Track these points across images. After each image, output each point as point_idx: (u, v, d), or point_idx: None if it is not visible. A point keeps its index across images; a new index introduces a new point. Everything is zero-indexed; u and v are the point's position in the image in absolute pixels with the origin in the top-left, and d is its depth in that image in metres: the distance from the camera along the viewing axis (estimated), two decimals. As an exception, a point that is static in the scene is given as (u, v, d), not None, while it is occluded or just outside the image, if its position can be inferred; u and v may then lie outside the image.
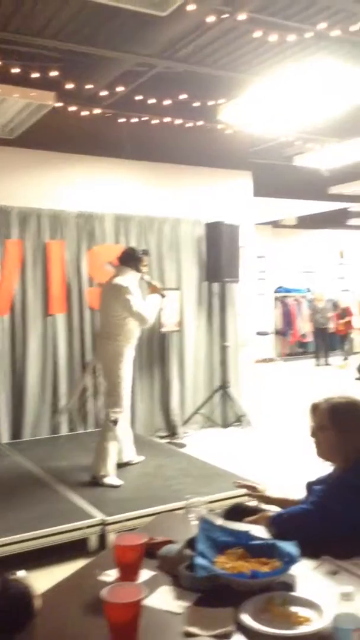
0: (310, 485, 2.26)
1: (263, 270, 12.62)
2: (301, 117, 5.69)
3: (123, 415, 4.63)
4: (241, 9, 4.18)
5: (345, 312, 12.55)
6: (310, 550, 1.85)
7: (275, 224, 12.92)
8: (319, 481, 2.25)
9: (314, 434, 2.21)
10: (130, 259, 4.68)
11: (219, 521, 2.08)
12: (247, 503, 2.50)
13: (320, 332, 12.33)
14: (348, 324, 12.46)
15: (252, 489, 2.43)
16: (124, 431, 4.74)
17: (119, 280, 4.56)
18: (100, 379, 5.12)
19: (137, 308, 4.47)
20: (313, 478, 2.27)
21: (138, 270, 4.67)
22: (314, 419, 2.21)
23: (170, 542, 1.98)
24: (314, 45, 4.98)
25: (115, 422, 4.52)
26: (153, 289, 4.79)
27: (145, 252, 4.85)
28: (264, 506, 2.37)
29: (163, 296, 4.84)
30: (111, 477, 4.46)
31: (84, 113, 5.85)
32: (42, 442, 5.77)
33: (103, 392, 4.90)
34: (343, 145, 7.16)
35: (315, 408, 2.21)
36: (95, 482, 4.43)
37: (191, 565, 1.75)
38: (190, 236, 6.78)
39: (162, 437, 6.32)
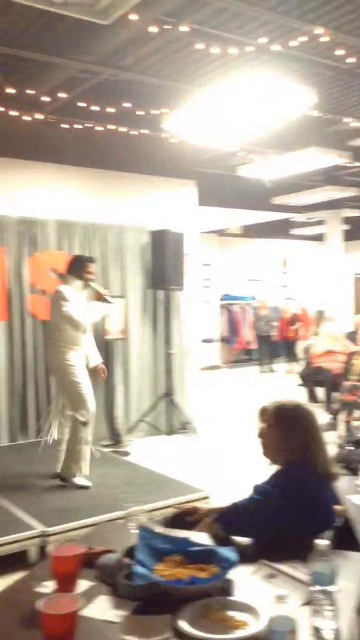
0: (257, 488, 2.32)
1: (209, 278, 12.76)
2: (243, 128, 5.80)
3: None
4: (183, 20, 4.23)
5: (295, 319, 12.78)
6: (249, 555, 1.88)
7: (221, 233, 13.10)
8: (265, 483, 2.31)
9: (261, 435, 2.32)
10: (74, 267, 4.71)
11: (159, 529, 2.09)
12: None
13: (263, 339, 12.52)
14: (298, 330, 12.70)
15: (192, 511, 2.41)
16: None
17: (59, 287, 4.63)
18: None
19: (66, 312, 4.48)
20: (254, 482, 2.32)
21: (81, 277, 4.66)
22: (262, 421, 2.32)
23: (109, 551, 1.97)
24: (255, 59, 5.09)
25: (85, 423, 4.53)
26: (97, 296, 4.77)
27: (90, 259, 4.86)
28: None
29: (108, 302, 4.82)
30: (81, 478, 4.52)
31: (26, 118, 5.77)
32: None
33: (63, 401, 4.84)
34: (285, 157, 7.33)
35: (263, 411, 2.33)
36: (36, 491, 4.36)
37: (130, 574, 1.74)
38: (135, 244, 6.79)
39: (106, 446, 6.26)
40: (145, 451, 6.15)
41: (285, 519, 2.05)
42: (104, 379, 5.25)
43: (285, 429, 2.24)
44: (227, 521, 2.12)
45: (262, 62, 5.17)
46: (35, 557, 3.59)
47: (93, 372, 4.90)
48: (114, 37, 4.43)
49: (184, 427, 6.84)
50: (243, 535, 2.06)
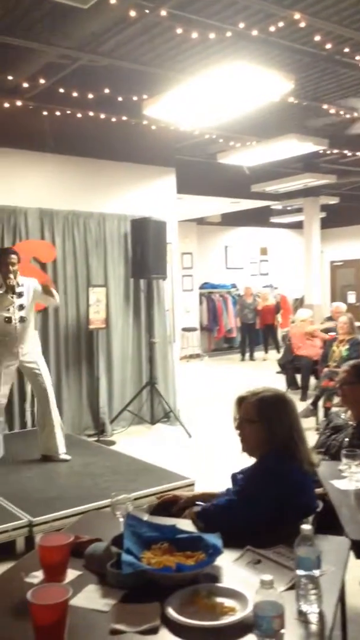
0: (234, 476, 2.32)
1: (189, 266, 12.75)
2: (223, 114, 5.78)
3: None
4: (162, 4, 4.19)
5: (278, 306, 12.85)
6: (237, 539, 1.90)
7: (200, 221, 13.08)
8: (242, 472, 2.31)
9: (239, 427, 2.25)
10: None
11: (145, 517, 2.10)
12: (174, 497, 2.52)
13: (246, 327, 12.57)
14: (285, 318, 12.78)
15: (174, 500, 2.41)
16: None
17: None
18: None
19: None
20: (237, 469, 2.33)
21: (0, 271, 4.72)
22: (240, 412, 2.25)
23: (97, 540, 1.98)
24: (234, 44, 5.07)
25: None
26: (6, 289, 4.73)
27: (5, 252, 4.85)
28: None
29: (8, 292, 4.73)
30: None
31: (5, 105, 5.69)
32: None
33: None
34: (264, 144, 7.33)
35: (240, 401, 2.25)
36: (21, 482, 4.39)
37: (117, 563, 1.76)
38: (116, 232, 6.75)
39: (90, 436, 6.27)
40: (129, 440, 6.17)
41: (266, 514, 2.02)
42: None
43: (268, 424, 2.17)
44: (207, 521, 2.06)
45: (241, 48, 5.15)
46: (23, 548, 3.59)
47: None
48: (93, 21, 4.37)
49: (167, 415, 6.87)
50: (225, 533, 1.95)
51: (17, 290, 4.74)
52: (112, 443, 6.03)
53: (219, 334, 13.42)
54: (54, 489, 4.27)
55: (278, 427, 2.17)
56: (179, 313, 7.66)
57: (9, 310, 4.71)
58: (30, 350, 4.89)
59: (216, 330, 13.35)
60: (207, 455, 5.60)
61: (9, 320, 4.70)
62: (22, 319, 4.78)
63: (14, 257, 4.76)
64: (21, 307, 4.77)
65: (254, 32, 4.69)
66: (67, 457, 4.93)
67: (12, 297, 4.71)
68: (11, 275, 4.69)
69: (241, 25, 4.59)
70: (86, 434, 6.33)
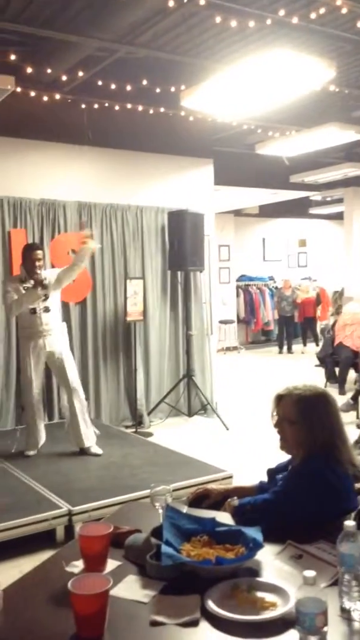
0: (271, 472, 2.28)
1: (226, 258, 12.68)
2: (262, 105, 5.70)
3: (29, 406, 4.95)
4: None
5: (319, 299, 12.70)
6: (275, 537, 1.87)
7: (238, 213, 12.98)
8: (279, 468, 2.27)
9: (278, 425, 2.18)
10: (21, 257, 4.91)
11: (184, 509, 2.09)
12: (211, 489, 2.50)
13: (284, 320, 12.43)
14: (324, 310, 12.63)
15: (205, 494, 2.35)
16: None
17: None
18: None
19: (4, 302, 4.80)
20: (273, 465, 2.29)
21: (25, 266, 4.83)
22: (279, 410, 2.18)
23: (136, 531, 1.98)
24: (273, 33, 4.99)
25: (22, 407, 5.08)
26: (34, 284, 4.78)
27: (30, 247, 4.92)
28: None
29: (36, 287, 4.76)
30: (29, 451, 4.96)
31: (45, 98, 5.74)
32: (7, 434, 5.69)
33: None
34: (303, 134, 7.21)
35: (279, 399, 2.17)
36: (61, 471, 4.47)
37: (157, 554, 1.75)
38: (153, 224, 6.75)
39: (128, 427, 6.31)
40: (166, 432, 6.18)
41: (306, 515, 1.97)
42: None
43: (309, 426, 2.08)
44: (244, 518, 2.02)
45: (281, 36, 5.06)
46: (62, 536, 3.65)
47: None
48: (132, 12, 4.36)
49: (204, 408, 6.86)
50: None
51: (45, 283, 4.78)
52: (150, 435, 6.06)
53: (256, 326, 13.33)
54: (92, 479, 4.32)
55: (319, 429, 2.08)
56: (216, 305, 7.62)
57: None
58: (56, 341, 4.90)
59: (253, 323, 13.26)
60: (244, 449, 5.57)
61: (33, 311, 4.76)
62: (47, 309, 4.82)
63: (39, 253, 4.84)
64: (45, 298, 4.81)
65: (295, 20, 4.59)
66: (98, 451, 4.91)
67: (40, 291, 4.75)
68: (37, 271, 4.75)
69: (281, 12, 4.51)
70: (124, 426, 6.37)
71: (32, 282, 4.75)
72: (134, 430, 6.15)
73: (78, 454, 4.88)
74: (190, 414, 6.85)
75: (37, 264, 4.77)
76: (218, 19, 4.51)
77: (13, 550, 3.49)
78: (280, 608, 1.52)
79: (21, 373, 5.08)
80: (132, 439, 5.59)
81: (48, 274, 4.91)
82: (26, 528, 3.57)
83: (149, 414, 6.60)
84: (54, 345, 4.88)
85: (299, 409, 2.11)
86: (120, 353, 6.55)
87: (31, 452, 4.89)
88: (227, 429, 6.29)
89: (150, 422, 6.52)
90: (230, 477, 4.30)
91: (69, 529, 3.69)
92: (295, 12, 4.59)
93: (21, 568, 3.26)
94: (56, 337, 4.91)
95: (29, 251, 4.84)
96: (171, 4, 4.19)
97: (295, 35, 5.00)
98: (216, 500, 2.29)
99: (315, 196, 12.22)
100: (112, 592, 1.54)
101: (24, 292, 4.73)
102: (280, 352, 12.33)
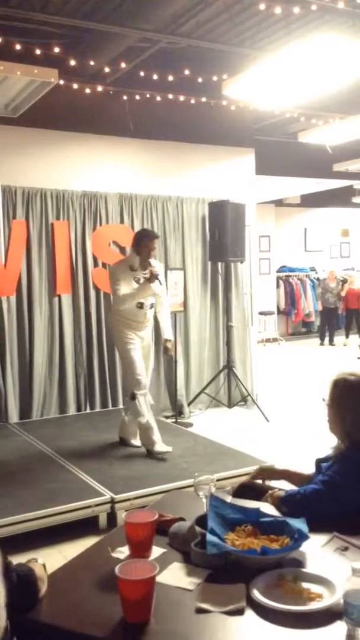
0: (318, 463, 2.27)
1: (266, 249, 12.57)
2: (305, 92, 5.60)
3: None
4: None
5: None
6: (319, 528, 1.86)
7: (279, 203, 12.83)
8: (327, 458, 2.26)
9: (327, 408, 2.21)
10: (135, 241, 4.70)
11: (228, 498, 2.10)
12: (254, 481, 2.50)
13: (328, 311, 12.24)
14: None
15: (260, 473, 2.37)
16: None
17: (112, 266, 4.76)
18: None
19: (116, 290, 4.52)
20: (321, 455, 2.28)
21: (138, 253, 4.63)
22: (329, 393, 2.20)
23: (180, 519, 2.00)
24: (318, 19, 4.90)
25: (133, 396, 4.57)
26: (150, 276, 4.54)
27: (149, 235, 4.71)
28: (271, 484, 2.38)
29: (152, 281, 4.53)
30: (160, 445, 4.61)
31: (87, 90, 5.78)
32: (51, 422, 5.81)
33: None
34: (348, 121, 7.07)
35: (332, 382, 2.20)
36: (103, 459, 4.54)
37: (202, 542, 1.77)
38: (194, 215, 6.74)
39: (168, 417, 6.35)
40: (206, 423, 6.19)
41: (353, 505, 1.97)
42: (171, 354, 5.19)
43: (353, 412, 2.10)
44: (291, 507, 2.02)
45: (326, 22, 4.98)
46: (105, 523, 3.71)
47: (163, 348, 4.93)
48: (173, 2, 4.34)
49: (244, 399, 6.84)
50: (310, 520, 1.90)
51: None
52: (190, 425, 6.08)
53: (297, 317, 13.19)
54: (134, 468, 4.37)
55: (350, 412, 2.10)
56: (256, 296, 7.57)
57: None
58: (148, 334, 4.86)
59: (294, 314, 13.13)
60: (285, 441, 5.54)
61: (140, 305, 4.61)
62: (152, 306, 4.72)
63: (156, 242, 4.69)
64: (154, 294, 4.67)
65: (340, 5, 4.49)
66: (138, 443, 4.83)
67: (153, 287, 4.54)
68: (150, 260, 4.57)
69: (327, -3, 4.42)
70: (164, 416, 6.41)
71: (146, 273, 4.53)
72: (174, 420, 6.18)
73: (119, 443, 4.93)
74: (230, 405, 6.85)
75: (153, 253, 4.64)
76: (262, 6, 4.45)
77: (57, 536, 3.56)
78: (327, 599, 1.51)
79: (126, 352, 4.68)
80: (173, 429, 5.63)
81: (157, 266, 4.66)
82: (70, 514, 3.64)
83: (189, 404, 6.62)
84: (146, 338, 4.82)
85: (335, 393, 2.14)
86: (161, 344, 6.57)
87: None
88: (268, 421, 6.26)
89: (190, 412, 6.55)
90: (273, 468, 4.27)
91: (111, 517, 3.74)
92: (341, -3, 4.49)
93: (65, 553, 3.33)
94: (149, 331, 4.87)
95: (147, 239, 4.62)
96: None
97: (340, 21, 4.90)
98: (268, 474, 2.31)
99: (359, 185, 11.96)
100: (158, 579, 1.55)
101: (135, 284, 4.55)
102: (322, 343, 12.17)
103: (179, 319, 6.54)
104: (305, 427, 5.68)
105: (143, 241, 4.64)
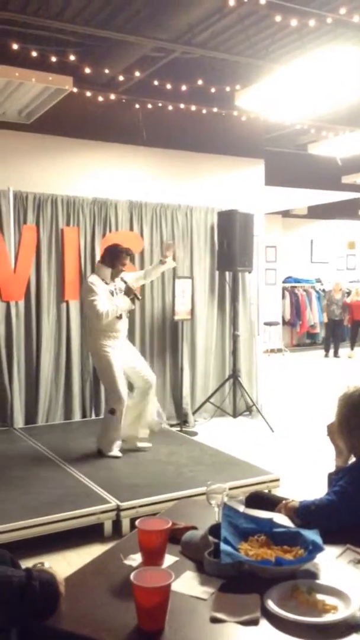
0: (331, 476, 2.26)
1: (272, 260, 12.57)
2: (317, 104, 5.64)
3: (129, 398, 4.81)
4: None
5: None
6: (334, 539, 1.86)
7: (286, 214, 12.85)
8: (338, 471, 2.25)
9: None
10: (108, 255, 4.79)
11: (241, 508, 2.09)
12: (265, 491, 2.50)
13: (333, 323, 12.23)
14: None
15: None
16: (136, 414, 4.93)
17: (88, 278, 4.78)
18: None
19: (93, 305, 4.57)
20: (326, 466, 2.28)
21: (112, 266, 4.74)
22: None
23: (192, 528, 1.99)
24: (331, 32, 4.93)
25: (112, 411, 4.72)
26: (126, 290, 4.75)
27: (127, 251, 4.84)
28: (284, 494, 2.38)
29: (136, 299, 4.78)
30: (114, 451, 4.76)
31: (100, 98, 5.82)
32: (56, 428, 5.80)
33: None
34: (358, 134, 7.10)
35: (340, 397, 2.22)
36: (109, 466, 4.54)
37: (215, 552, 1.76)
38: (203, 224, 6.76)
39: (172, 425, 6.33)
40: (211, 432, 6.17)
41: None
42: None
43: (347, 426, 2.14)
44: (306, 518, 2.03)
45: (339, 35, 5.00)
46: (110, 531, 3.69)
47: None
48: (189, 12, 4.38)
49: (249, 409, 6.82)
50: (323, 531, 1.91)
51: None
52: (194, 434, 6.07)
53: (302, 329, 13.18)
54: (140, 476, 4.35)
55: (354, 427, 2.11)
56: (262, 307, 7.57)
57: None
58: (124, 335, 4.94)
59: (299, 325, 13.12)
60: (289, 451, 5.52)
61: (120, 316, 4.75)
62: (128, 315, 4.91)
63: (128, 258, 4.86)
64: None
65: (356, 19, 4.52)
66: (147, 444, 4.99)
67: (133, 304, 4.79)
68: (121, 275, 4.76)
69: (342, 10, 4.45)
70: (168, 424, 6.39)
71: (121, 288, 4.74)
72: (178, 429, 6.16)
73: (126, 451, 4.92)
74: (235, 414, 6.83)
75: (123, 268, 4.81)
76: (278, 18, 4.48)
77: (62, 542, 3.54)
78: (342, 611, 1.51)
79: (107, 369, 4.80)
80: (178, 438, 5.61)
81: (129, 278, 4.88)
82: (75, 521, 3.62)
83: (194, 413, 6.60)
84: (123, 337, 4.92)
85: (340, 406, 2.17)
86: (167, 351, 6.58)
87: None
88: (273, 431, 6.24)
89: (195, 421, 6.53)
90: (277, 479, 4.26)
91: (117, 524, 3.73)
92: (357, 10, 4.52)
93: (69, 560, 3.32)
94: (124, 337, 4.97)
95: (122, 253, 4.77)
96: (232, 3, 4.18)
97: (353, 34, 4.93)
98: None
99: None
100: (172, 587, 1.55)
101: (111, 296, 4.70)
102: (326, 355, 12.15)
103: (185, 327, 6.55)
104: (310, 438, 5.65)
105: (119, 255, 4.75)
